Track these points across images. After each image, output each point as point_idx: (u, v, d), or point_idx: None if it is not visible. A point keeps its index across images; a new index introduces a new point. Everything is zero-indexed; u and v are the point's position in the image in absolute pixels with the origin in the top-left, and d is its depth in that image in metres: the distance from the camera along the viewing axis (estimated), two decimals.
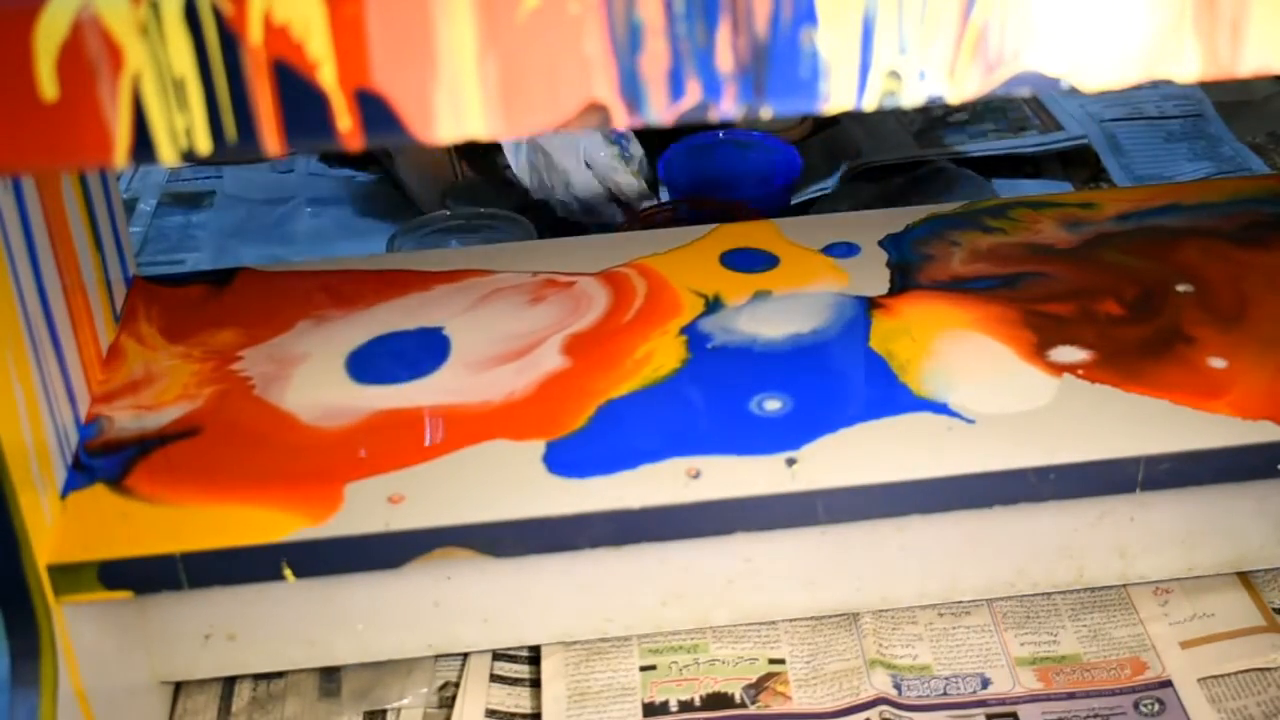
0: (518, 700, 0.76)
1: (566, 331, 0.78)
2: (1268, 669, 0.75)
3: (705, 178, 1.07)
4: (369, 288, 0.83)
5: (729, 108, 0.43)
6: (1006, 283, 0.81)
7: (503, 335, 0.78)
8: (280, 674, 0.77)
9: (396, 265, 0.86)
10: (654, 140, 1.11)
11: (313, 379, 0.76)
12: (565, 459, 0.69)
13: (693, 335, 0.78)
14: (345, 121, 0.42)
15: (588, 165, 1.04)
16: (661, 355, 0.76)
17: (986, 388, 0.73)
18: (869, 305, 0.79)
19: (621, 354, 0.76)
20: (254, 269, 0.86)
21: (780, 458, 0.69)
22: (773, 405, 0.72)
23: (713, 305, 0.80)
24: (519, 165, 1.06)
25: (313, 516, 0.67)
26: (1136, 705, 0.73)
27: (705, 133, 1.08)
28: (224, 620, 0.74)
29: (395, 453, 0.70)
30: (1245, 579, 0.80)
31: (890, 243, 0.85)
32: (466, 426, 0.72)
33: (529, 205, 1.08)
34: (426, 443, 0.71)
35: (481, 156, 1.13)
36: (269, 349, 0.78)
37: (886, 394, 0.73)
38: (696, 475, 0.68)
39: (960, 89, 0.43)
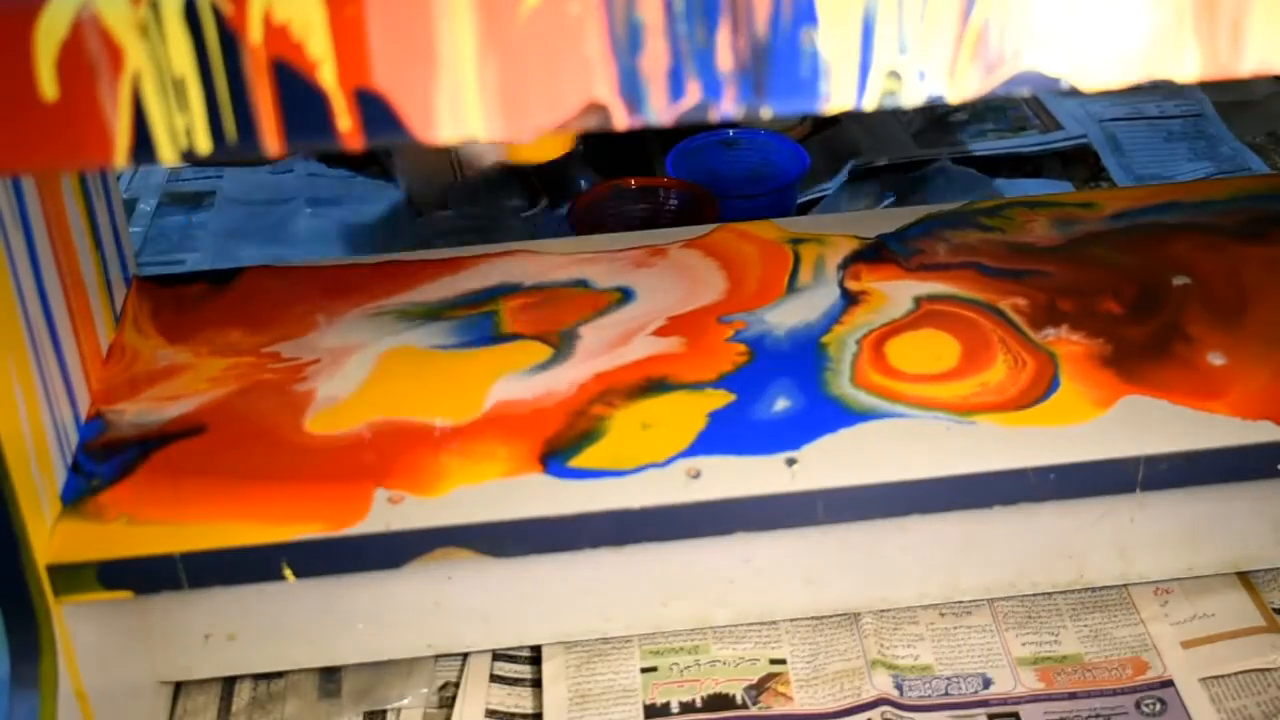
0: (518, 700, 0.76)
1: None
2: (1268, 669, 0.75)
3: (713, 175, 1.07)
4: (382, 282, 0.83)
5: (729, 108, 0.43)
6: (1004, 281, 0.81)
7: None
8: (280, 674, 0.77)
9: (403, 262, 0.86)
10: (659, 138, 1.11)
11: (325, 378, 0.76)
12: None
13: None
14: (345, 121, 0.42)
15: None
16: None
17: (989, 390, 0.73)
18: (862, 301, 0.79)
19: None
20: (255, 269, 0.86)
21: (780, 458, 0.69)
22: (772, 404, 0.72)
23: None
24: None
25: (323, 521, 0.67)
26: (1138, 705, 0.73)
27: (713, 131, 1.08)
28: (224, 620, 0.74)
29: (402, 455, 0.70)
30: (1245, 579, 0.80)
31: (886, 241, 0.85)
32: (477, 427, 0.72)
33: (528, 204, 1.08)
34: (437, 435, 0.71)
35: None
36: (271, 349, 0.78)
37: (883, 393, 0.73)
38: (696, 475, 0.68)
39: (960, 89, 0.43)
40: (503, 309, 0.80)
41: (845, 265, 0.83)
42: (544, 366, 0.75)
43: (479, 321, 0.79)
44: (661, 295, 0.81)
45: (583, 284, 0.82)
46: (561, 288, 0.82)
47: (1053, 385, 0.73)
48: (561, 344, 0.77)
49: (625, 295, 0.81)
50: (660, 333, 0.78)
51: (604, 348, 0.77)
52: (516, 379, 0.75)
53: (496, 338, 0.78)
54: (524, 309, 0.80)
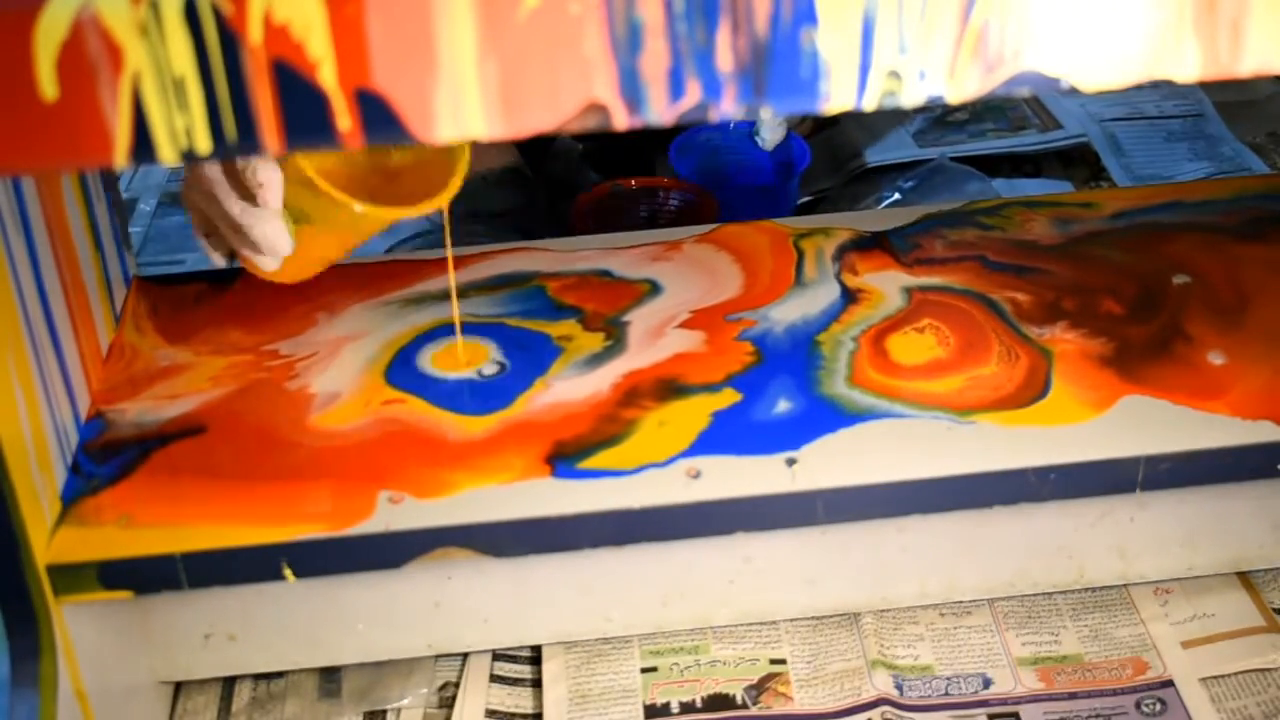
0: (518, 700, 0.76)
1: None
2: (1268, 669, 0.75)
3: (715, 166, 1.08)
4: (382, 281, 0.83)
5: (729, 108, 0.43)
6: (1003, 278, 0.81)
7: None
8: (280, 674, 0.77)
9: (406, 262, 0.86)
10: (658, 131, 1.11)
11: (327, 377, 0.76)
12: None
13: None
14: (345, 121, 0.42)
15: None
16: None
17: (983, 386, 0.73)
18: (862, 299, 0.79)
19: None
20: None
21: (780, 458, 0.69)
22: (774, 404, 0.72)
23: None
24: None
25: (323, 521, 0.67)
26: (1138, 705, 0.73)
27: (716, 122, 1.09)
28: (224, 620, 0.74)
29: (405, 454, 0.70)
30: (1245, 579, 0.80)
31: (887, 239, 0.85)
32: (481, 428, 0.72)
33: (526, 204, 1.08)
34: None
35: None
36: (271, 348, 0.78)
37: (882, 391, 0.73)
38: (696, 475, 0.68)
39: (960, 89, 0.43)
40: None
41: (847, 264, 0.83)
42: (586, 364, 0.76)
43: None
44: (685, 289, 0.81)
45: (608, 274, 0.83)
46: (590, 275, 0.82)
47: (1047, 382, 0.73)
48: (616, 337, 0.77)
49: (654, 288, 0.81)
50: (685, 326, 0.78)
51: (642, 342, 0.77)
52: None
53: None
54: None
